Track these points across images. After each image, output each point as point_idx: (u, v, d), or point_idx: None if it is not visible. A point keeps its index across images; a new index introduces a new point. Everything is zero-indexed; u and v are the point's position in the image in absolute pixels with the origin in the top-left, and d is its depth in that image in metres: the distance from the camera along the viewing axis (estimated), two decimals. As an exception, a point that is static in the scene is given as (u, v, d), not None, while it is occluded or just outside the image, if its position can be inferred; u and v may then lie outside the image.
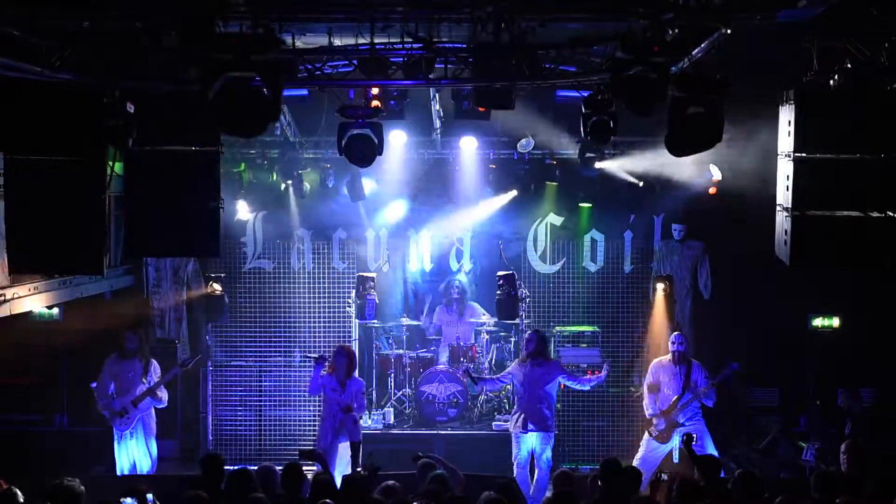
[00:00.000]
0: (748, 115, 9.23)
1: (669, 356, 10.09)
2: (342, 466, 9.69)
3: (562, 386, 10.36)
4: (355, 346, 11.97)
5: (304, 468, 7.34)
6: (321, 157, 11.76)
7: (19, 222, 7.64)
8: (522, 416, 9.92)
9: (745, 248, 11.27)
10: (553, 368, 10.03)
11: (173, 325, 12.18)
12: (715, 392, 9.91)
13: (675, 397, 9.89)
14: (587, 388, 10.36)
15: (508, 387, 10.92)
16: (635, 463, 9.83)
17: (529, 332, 10.32)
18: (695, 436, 8.62)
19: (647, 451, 9.98)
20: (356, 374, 10.05)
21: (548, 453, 9.93)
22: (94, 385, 10.05)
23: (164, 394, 10.12)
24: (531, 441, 9.90)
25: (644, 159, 11.27)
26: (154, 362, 10.17)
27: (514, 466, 9.91)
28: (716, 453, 9.42)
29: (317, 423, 11.01)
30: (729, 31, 6.43)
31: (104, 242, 7.73)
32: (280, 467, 7.28)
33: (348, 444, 9.72)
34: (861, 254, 7.46)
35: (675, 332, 10.34)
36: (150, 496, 6.89)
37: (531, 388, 9.88)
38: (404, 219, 12.41)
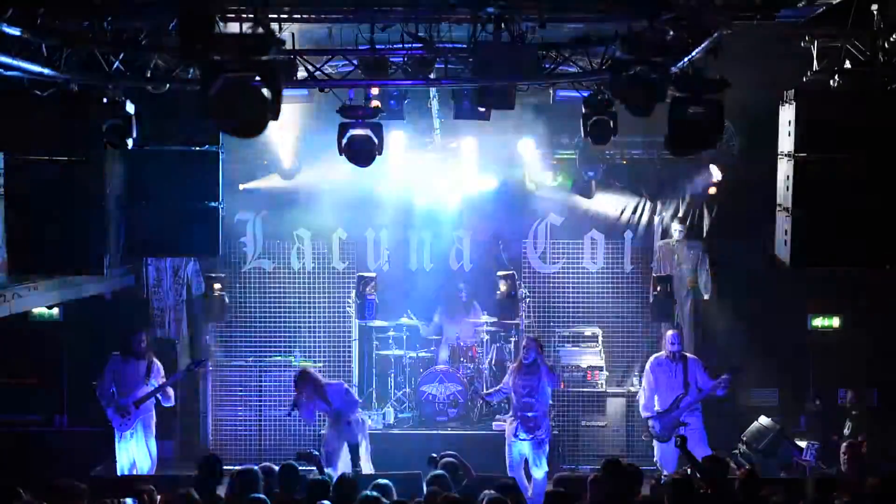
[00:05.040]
0: (748, 115, 9.23)
1: (665, 354, 10.08)
2: (342, 468, 9.72)
3: (563, 385, 10.33)
4: (355, 347, 12.00)
5: (302, 469, 7.35)
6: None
7: (19, 222, 7.64)
8: (514, 423, 9.96)
9: (745, 248, 11.27)
10: (541, 375, 9.91)
11: (173, 325, 12.17)
12: (723, 389, 9.91)
13: (678, 396, 9.89)
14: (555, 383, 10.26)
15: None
16: (656, 458, 10.02)
17: (526, 339, 10.29)
18: (687, 437, 8.62)
19: (662, 451, 9.99)
20: (326, 381, 10.10)
21: (541, 459, 9.92)
22: (96, 384, 10.05)
23: (171, 392, 10.14)
24: (523, 448, 9.93)
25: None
26: (157, 363, 10.16)
27: (507, 469, 9.93)
28: (708, 451, 9.40)
29: (318, 423, 11.06)
30: (729, 31, 6.43)
31: (104, 242, 7.73)
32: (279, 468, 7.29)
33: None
34: (861, 254, 7.46)
35: (672, 332, 10.27)
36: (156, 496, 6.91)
37: (521, 395, 9.89)
38: (405, 218, 12.40)
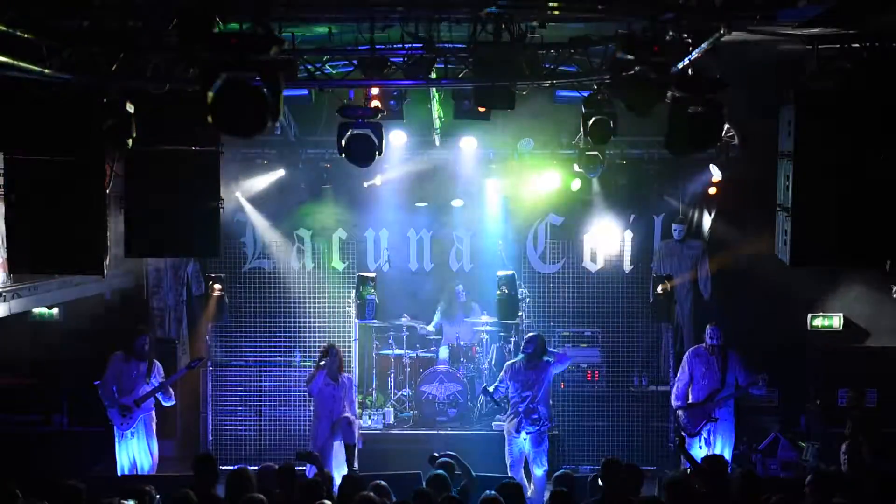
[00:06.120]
0: (748, 115, 9.23)
1: (705, 346, 10.13)
2: (338, 467, 9.73)
3: (562, 385, 10.29)
4: (355, 347, 11.99)
5: (302, 469, 7.36)
6: (321, 157, 11.77)
7: (19, 222, 7.64)
8: (515, 419, 9.94)
9: (745, 248, 11.27)
10: (544, 367, 9.98)
11: (173, 325, 12.17)
12: (762, 385, 9.98)
13: (714, 390, 9.90)
14: (567, 361, 10.29)
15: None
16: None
17: (530, 334, 10.29)
18: (686, 438, 8.64)
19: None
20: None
21: (542, 457, 9.91)
22: (98, 383, 10.05)
23: (171, 391, 10.16)
24: (524, 444, 9.92)
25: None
26: (157, 363, 10.17)
27: (508, 468, 9.91)
28: (728, 454, 9.41)
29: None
30: (729, 32, 6.43)
31: (104, 242, 7.72)
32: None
33: (342, 444, 9.80)
34: (860, 254, 7.46)
35: (711, 326, 10.27)
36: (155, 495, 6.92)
37: (523, 390, 9.88)
38: (405, 219, 12.40)
